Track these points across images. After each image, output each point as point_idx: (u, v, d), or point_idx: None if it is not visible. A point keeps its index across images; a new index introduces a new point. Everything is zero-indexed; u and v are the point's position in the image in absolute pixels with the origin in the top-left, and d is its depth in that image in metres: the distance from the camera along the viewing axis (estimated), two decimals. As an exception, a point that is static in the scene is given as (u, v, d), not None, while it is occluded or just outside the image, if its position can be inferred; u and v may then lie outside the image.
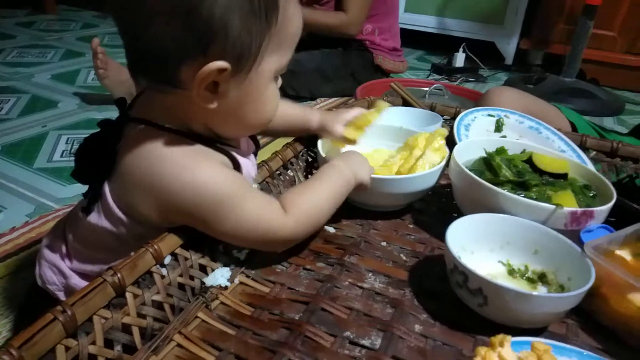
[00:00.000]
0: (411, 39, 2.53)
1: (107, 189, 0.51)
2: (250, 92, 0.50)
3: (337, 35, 1.77)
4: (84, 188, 0.54)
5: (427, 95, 1.49)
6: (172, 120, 0.50)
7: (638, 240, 0.55)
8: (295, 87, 1.69)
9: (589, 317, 0.51)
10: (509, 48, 2.42)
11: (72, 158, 0.53)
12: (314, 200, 0.56)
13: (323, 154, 0.68)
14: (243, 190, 0.50)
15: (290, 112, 0.73)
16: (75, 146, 1.24)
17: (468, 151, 0.68)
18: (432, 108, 0.95)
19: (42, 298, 0.59)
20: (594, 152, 0.86)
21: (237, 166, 0.54)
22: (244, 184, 0.52)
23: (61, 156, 1.22)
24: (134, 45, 0.47)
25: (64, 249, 0.58)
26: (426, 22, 2.56)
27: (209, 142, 0.52)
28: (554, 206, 0.55)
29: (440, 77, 2.15)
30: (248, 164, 0.59)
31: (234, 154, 0.54)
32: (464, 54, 2.19)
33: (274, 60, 0.50)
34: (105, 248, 0.54)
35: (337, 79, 1.80)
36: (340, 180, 0.59)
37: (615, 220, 0.64)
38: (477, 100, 1.22)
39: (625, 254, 0.52)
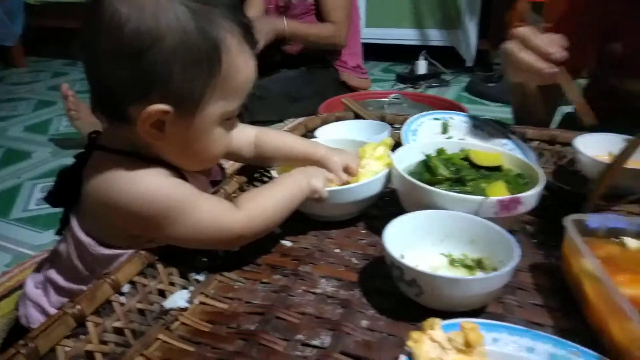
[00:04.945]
0: (375, 52, 2.60)
1: (74, 217, 0.57)
2: (194, 133, 0.54)
3: (325, 47, 1.82)
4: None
5: (385, 106, 1.54)
6: (129, 147, 0.55)
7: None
8: (263, 113, 1.73)
9: (527, 296, 0.55)
10: (468, 50, 2.50)
11: (48, 205, 0.60)
12: (267, 198, 0.60)
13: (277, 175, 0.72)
14: (191, 194, 0.55)
15: (296, 147, 0.72)
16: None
17: (410, 155, 0.73)
18: (382, 118, 1.00)
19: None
20: (537, 142, 0.91)
21: (182, 178, 0.58)
22: (192, 189, 0.56)
23: (36, 205, 1.25)
24: (92, 84, 0.53)
25: (45, 285, 0.62)
26: (387, 35, 2.65)
27: (158, 163, 0.56)
28: (483, 197, 0.60)
29: (405, 85, 2.21)
30: (202, 180, 0.63)
31: (180, 170, 0.59)
32: (425, 61, 2.26)
33: (220, 105, 0.54)
34: (79, 278, 0.59)
35: (303, 99, 1.83)
36: (293, 184, 0.62)
37: (557, 204, 0.69)
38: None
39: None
